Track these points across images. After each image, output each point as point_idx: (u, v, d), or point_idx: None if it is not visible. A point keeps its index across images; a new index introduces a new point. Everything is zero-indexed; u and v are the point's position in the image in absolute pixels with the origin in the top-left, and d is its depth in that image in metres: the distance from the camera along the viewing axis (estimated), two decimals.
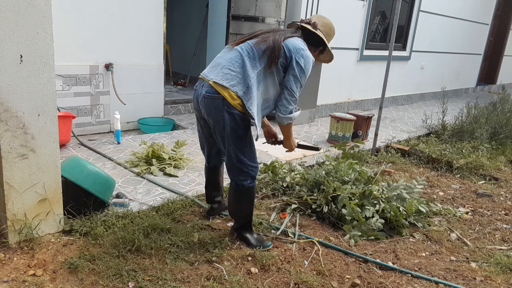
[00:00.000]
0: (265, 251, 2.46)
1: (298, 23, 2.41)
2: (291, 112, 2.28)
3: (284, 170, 3.52)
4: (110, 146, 4.07)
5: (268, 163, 3.61)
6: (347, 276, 2.32)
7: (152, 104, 5.03)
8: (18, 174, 2.19)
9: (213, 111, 2.23)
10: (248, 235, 2.54)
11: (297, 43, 2.26)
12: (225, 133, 2.25)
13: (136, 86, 4.82)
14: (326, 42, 2.41)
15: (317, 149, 2.94)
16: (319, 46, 2.42)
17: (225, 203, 2.92)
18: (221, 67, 2.26)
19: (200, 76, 2.37)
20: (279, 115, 2.29)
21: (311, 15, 5.32)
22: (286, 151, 2.70)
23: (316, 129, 5.56)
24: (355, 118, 4.87)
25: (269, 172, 3.54)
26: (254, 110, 2.23)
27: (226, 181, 3.33)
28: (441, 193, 3.69)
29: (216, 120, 2.25)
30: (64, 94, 4.26)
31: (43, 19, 2.08)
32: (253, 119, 2.24)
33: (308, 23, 2.37)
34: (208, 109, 2.26)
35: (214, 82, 2.24)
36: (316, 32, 2.36)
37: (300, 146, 2.79)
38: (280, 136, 2.69)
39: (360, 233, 2.72)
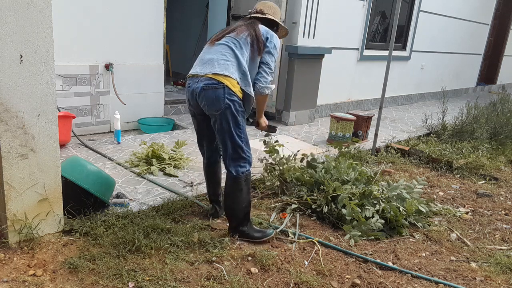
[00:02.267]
0: (266, 250, 2.46)
1: (248, 16, 2.70)
2: (268, 84, 2.54)
3: (284, 170, 3.51)
4: (110, 146, 4.07)
5: (268, 163, 3.61)
6: (347, 276, 2.32)
7: (152, 104, 5.03)
8: (18, 174, 2.19)
9: (214, 100, 2.37)
10: (248, 229, 2.57)
11: (264, 28, 2.59)
12: (226, 121, 2.39)
13: (136, 86, 4.82)
14: (277, 20, 2.73)
15: (274, 129, 3.04)
16: (273, 26, 2.72)
17: None
18: (215, 60, 2.43)
19: (190, 75, 2.53)
20: (260, 85, 2.52)
21: (311, 15, 5.32)
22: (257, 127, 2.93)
23: (316, 129, 5.56)
24: (355, 118, 4.87)
25: (269, 171, 3.53)
26: (251, 90, 2.49)
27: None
28: (441, 193, 3.69)
29: (217, 109, 2.38)
30: (64, 94, 4.26)
31: (43, 19, 2.08)
32: (252, 96, 2.49)
33: (257, 12, 2.69)
34: (209, 100, 2.38)
35: (214, 73, 2.38)
36: (266, 16, 2.68)
37: (269, 127, 2.98)
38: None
39: (360, 233, 2.72)
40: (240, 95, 2.41)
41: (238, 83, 2.39)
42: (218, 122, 2.41)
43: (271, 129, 3.01)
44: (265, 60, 2.53)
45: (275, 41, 2.58)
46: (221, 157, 2.77)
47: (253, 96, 2.50)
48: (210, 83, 2.36)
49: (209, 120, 2.51)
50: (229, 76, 2.36)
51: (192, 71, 2.51)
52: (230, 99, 2.36)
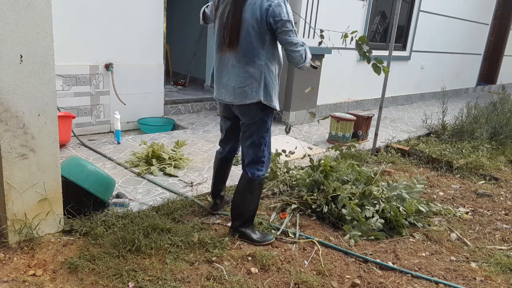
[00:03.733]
0: (266, 251, 2.46)
1: None
2: (305, 56, 2.29)
3: (284, 170, 3.52)
4: (110, 146, 4.07)
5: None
6: (347, 276, 2.32)
7: (152, 104, 5.03)
8: (18, 174, 2.19)
9: (247, 112, 2.41)
10: (250, 232, 2.57)
11: (258, 2, 2.19)
12: (256, 127, 2.43)
13: (136, 86, 4.82)
14: None
15: (315, 67, 2.72)
16: None
17: (227, 199, 2.94)
18: (236, 89, 2.34)
19: (216, 97, 2.52)
20: (300, 67, 2.34)
21: (311, 15, 5.32)
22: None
23: (316, 129, 5.56)
24: (355, 118, 4.87)
25: (269, 172, 3.54)
26: (274, 100, 2.40)
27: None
28: (441, 193, 3.69)
29: (250, 119, 2.43)
30: (64, 94, 4.26)
31: (43, 19, 2.08)
32: (276, 108, 2.42)
33: None
34: (242, 111, 2.43)
35: (239, 105, 2.37)
36: None
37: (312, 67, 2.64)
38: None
39: (360, 233, 2.72)
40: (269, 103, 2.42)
41: (262, 101, 2.33)
42: (248, 127, 2.45)
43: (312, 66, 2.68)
44: (284, 40, 2.25)
45: (281, 10, 2.19)
46: (235, 155, 2.82)
47: (277, 107, 2.41)
48: (243, 104, 2.37)
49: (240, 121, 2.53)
50: (254, 101, 2.33)
51: (218, 95, 2.47)
52: (262, 109, 2.39)
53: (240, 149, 2.62)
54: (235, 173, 3.50)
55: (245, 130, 2.48)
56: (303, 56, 2.28)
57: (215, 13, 2.42)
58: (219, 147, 2.80)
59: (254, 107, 2.36)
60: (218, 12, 2.36)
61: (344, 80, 6.53)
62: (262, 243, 2.55)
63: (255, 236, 2.57)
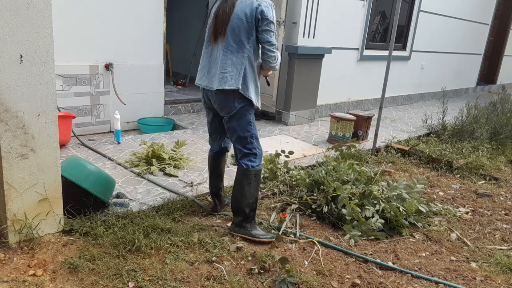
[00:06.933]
0: (266, 250, 2.46)
1: None
2: (277, 59, 2.49)
3: (284, 170, 3.52)
4: (110, 146, 4.07)
5: (268, 163, 3.61)
6: (347, 276, 2.32)
7: (152, 104, 5.03)
8: (18, 174, 2.19)
9: (225, 104, 2.47)
10: (251, 227, 2.58)
11: (248, 1, 2.38)
12: (237, 121, 2.49)
13: (136, 86, 4.81)
14: None
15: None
16: None
17: (226, 200, 2.96)
18: (217, 74, 2.44)
19: (199, 84, 2.56)
20: (268, 66, 2.51)
21: (311, 15, 5.32)
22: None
23: (316, 129, 5.56)
24: (355, 118, 4.87)
25: (269, 171, 3.53)
26: (252, 92, 2.48)
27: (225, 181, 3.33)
28: (441, 193, 3.69)
29: (228, 112, 2.48)
30: (64, 94, 4.26)
31: (43, 19, 2.08)
32: (252, 100, 2.49)
33: None
34: (221, 104, 2.49)
35: (219, 90, 2.43)
36: None
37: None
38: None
39: (360, 233, 2.72)
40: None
41: (239, 90, 2.42)
42: (229, 122, 2.52)
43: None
44: (264, 39, 2.42)
45: (268, 11, 2.38)
46: (228, 151, 2.86)
47: (254, 99, 2.50)
48: (221, 89, 2.43)
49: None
50: (232, 88, 2.42)
51: (202, 83, 2.55)
52: (240, 102, 2.45)
53: (230, 144, 2.70)
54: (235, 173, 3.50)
55: (228, 127, 2.55)
56: (276, 58, 2.48)
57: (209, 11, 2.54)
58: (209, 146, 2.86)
59: (231, 96, 2.43)
60: (212, 10, 2.50)
61: (344, 80, 6.53)
62: (263, 239, 2.55)
63: (258, 232, 2.58)
